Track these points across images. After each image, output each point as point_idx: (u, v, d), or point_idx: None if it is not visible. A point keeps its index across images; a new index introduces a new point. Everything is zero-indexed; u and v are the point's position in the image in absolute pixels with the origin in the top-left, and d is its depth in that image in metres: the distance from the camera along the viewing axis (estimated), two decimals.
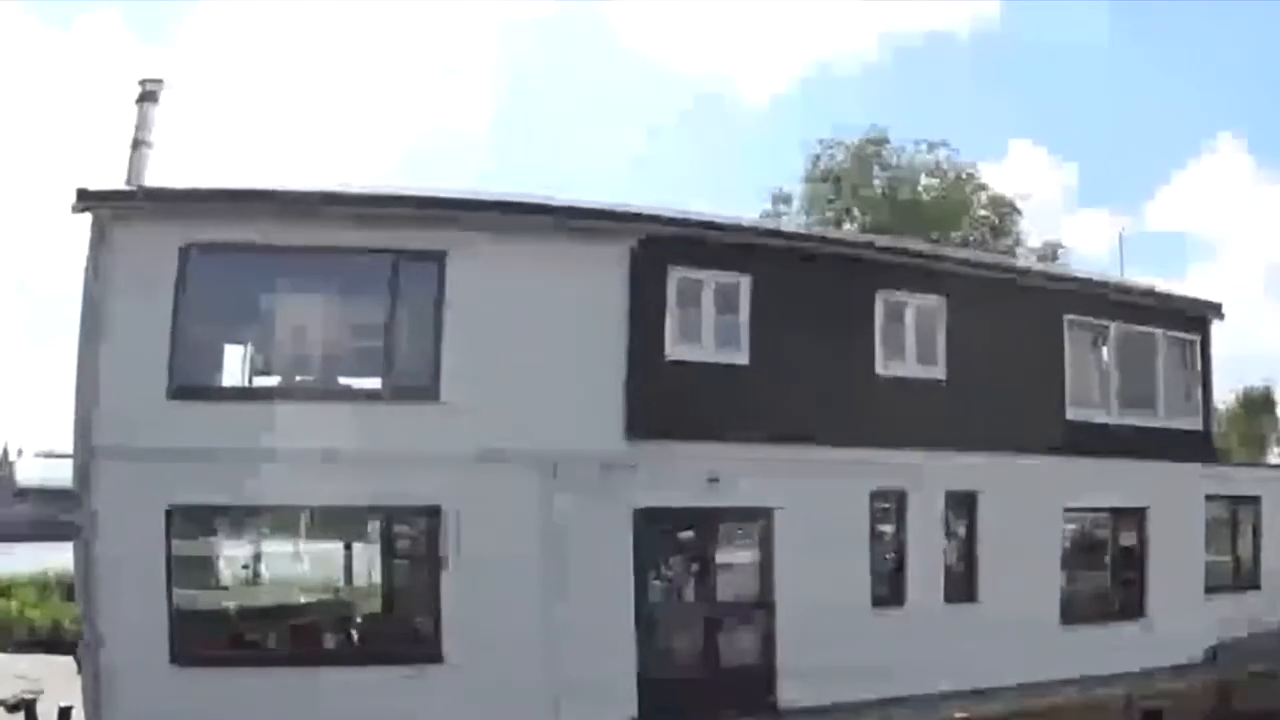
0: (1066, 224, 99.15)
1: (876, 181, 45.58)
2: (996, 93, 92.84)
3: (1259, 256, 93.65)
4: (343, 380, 17.40)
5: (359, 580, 17.27)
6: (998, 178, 49.01)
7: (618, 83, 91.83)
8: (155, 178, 16.75)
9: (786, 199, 45.39)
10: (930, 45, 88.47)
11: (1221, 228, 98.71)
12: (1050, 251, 44.88)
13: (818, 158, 45.71)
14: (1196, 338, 23.87)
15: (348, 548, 17.43)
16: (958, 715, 18.14)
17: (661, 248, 17.53)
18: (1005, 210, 45.89)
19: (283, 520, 17.20)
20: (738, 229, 18.51)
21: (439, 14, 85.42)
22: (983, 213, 45.51)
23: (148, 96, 17.37)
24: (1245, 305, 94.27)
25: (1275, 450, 60.79)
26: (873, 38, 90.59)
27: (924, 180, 45.80)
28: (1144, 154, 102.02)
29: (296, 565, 17.68)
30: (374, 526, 16.70)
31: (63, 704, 15.91)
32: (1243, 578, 25.59)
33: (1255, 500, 26.05)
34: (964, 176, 45.85)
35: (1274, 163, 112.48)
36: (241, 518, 16.69)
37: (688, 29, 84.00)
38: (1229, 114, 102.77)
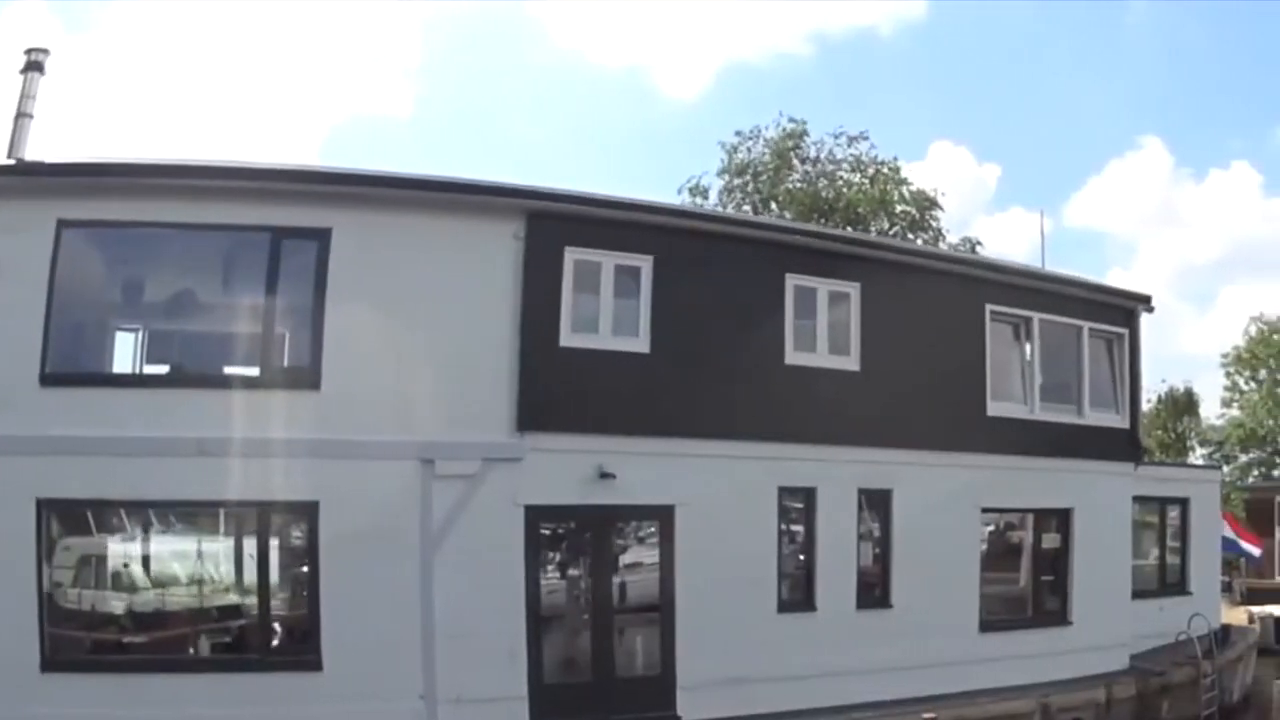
0: (986, 224, 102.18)
1: (795, 175, 46.77)
2: (920, 91, 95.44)
3: (1177, 258, 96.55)
4: (220, 366, 17.20)
5: (236, 580, 17.02)
6: (919, 176, 50.45)
7: (539, 75, 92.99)
8: (40, 154, 16.53)
9: (703, 192, 46.25)
10: (855, 42, 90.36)
11: (1141, 229, 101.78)
12: (969, 248, 45.86)
13: (735, 150, 46.95)
14: (1124, 331, 24.24)
15: (238, 546, 17.14)
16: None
17: (557, 227, 17.57)
18: (925, 205, 47.05)
19: (160, 516, 16.95)
20: (638, 207, 18.42)
21: (363, 4, 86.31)
22: (903, 207, 46.53)
23: (33, 66, 17.20)
24: (1163, 307, 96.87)
25: (1196, 452, 62.59)
26: (798, 34, 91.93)
27: (844, 174, 47.01)
28: (1066, 155, 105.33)
29: (175, 564, 17.38)
30: (250, 523, 16.51)
31: None
32: (1171, 582, 26.18)
33: (1184, 502, 26.71)
34: (884, 171, 46.99)
35: (1194, 164, 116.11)
36: (115, 512, 16.45)
37: (610, 22, 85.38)
38: (1152, 116, 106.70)
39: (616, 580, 18.29)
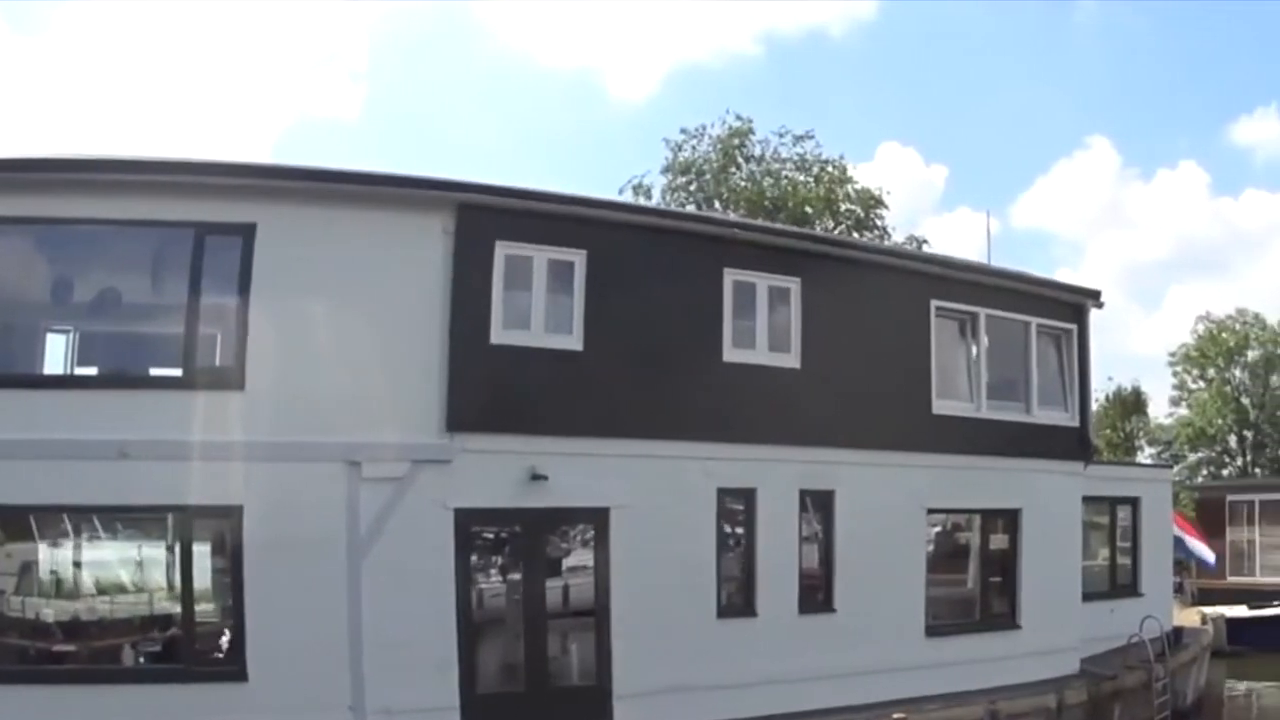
0: (934, 224, 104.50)
1: (740, 174, 47.90)
2: (869, 92, 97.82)
3: (1125, 258, 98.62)
4: (144, 367, 17.24)
5: (160, 588, 16.91)
6: (867, 176, 51.86)
7: (487, 77, 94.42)
8: None
9: (646, 191, 47.03)
10: (806, 42, 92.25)
11: (1088, 229, 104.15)
12: (915, 247, 46.80)
13: (679, 148, 48.07)
14: (1073, 327, 24.57)
15: (161, 552, 17.05)
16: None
17: (488, 220, 17.63)
18: (871, 204, 48.34)
19: (82, 522, 16.69)
20: (571, 200, 18.46)
21: (311, 6, 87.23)
22: (848, 206, 47.86)
23: None
24: (1110, 307, 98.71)
25: (1144, 452, 63.75)
26: (749, 34, 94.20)
27: (789, 173, 48.15)
28: (1014, 156, 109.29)
29: (97, 572, 17.26)
30: (172, 528, 16.46)
31: None
32: (1122, 584, 26.56)
33: (1135, 501, 27.11)
34: (830, 170, 48.24)
35: (1142, 164, 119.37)
36: (37, 518, 16.27)
37: (559, 24, 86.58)
38: (1100, 116, 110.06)
39: (551, 586, 18.28)
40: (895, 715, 18.71)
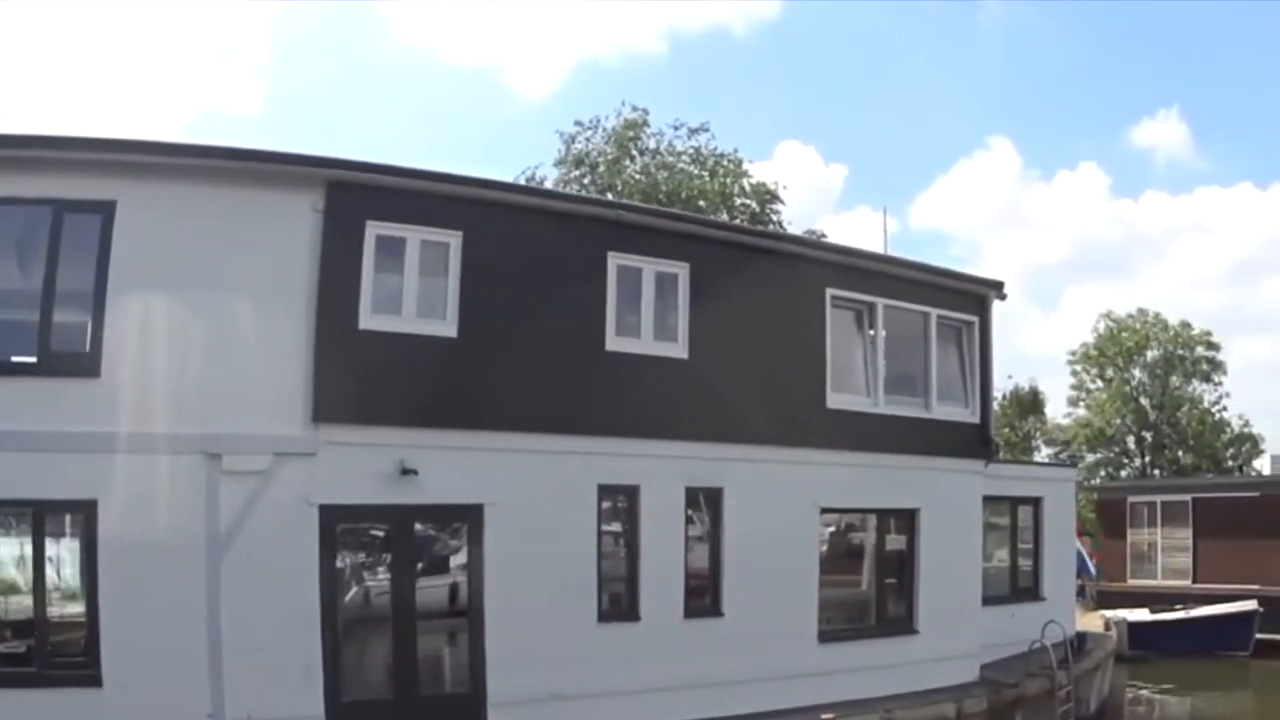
0: (832, 222, 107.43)
1: (635, 167, 49.41)
2: (771, 91, 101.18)
3: (1023, 259, 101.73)
4: None
5: (11, 587, 16.73)
6: (766, 174, 53.28)
7: (389, 73, 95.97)
8: None
9: (539, 184, 47.25)
10: (709, 41, 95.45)
11: (987, 230, 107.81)
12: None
13: (573, 140, 49.54)
14: (975, 319, 25.19)
15: (12, 550, 16.81)
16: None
17: (359, 199, 17.73)
18: (766, 199, 50.07)
19: None
20: (447, 178, 18.49)
21: (211, 1, 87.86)
22: (743, 201, 49.43)
23: None
24: (1008, 307, 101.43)
25: (1042, 452, 65.35)
26: (652, 32, 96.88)
27: (684, 166, 49.76)
28: (914, 156, 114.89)
29: None
30: (23, 524, 16.34)
31: None
32: (1023, 587, 27.23)
33: (1037, 502, 27.80)
34: (725, 163, 49.86)
35: (1042, 165, 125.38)
36: None
37: (462, 21, 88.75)
38: (1001, 117, 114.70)
39: (421, 588, 18.27)
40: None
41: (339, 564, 17.74)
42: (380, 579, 18.40)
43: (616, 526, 20.03)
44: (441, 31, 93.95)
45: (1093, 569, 44.08)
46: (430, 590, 18.62)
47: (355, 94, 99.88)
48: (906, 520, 23.69)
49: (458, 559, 18.75)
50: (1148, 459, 66.76)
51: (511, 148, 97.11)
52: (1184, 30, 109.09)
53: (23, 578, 16.47)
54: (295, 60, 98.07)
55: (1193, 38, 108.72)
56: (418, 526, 18.66)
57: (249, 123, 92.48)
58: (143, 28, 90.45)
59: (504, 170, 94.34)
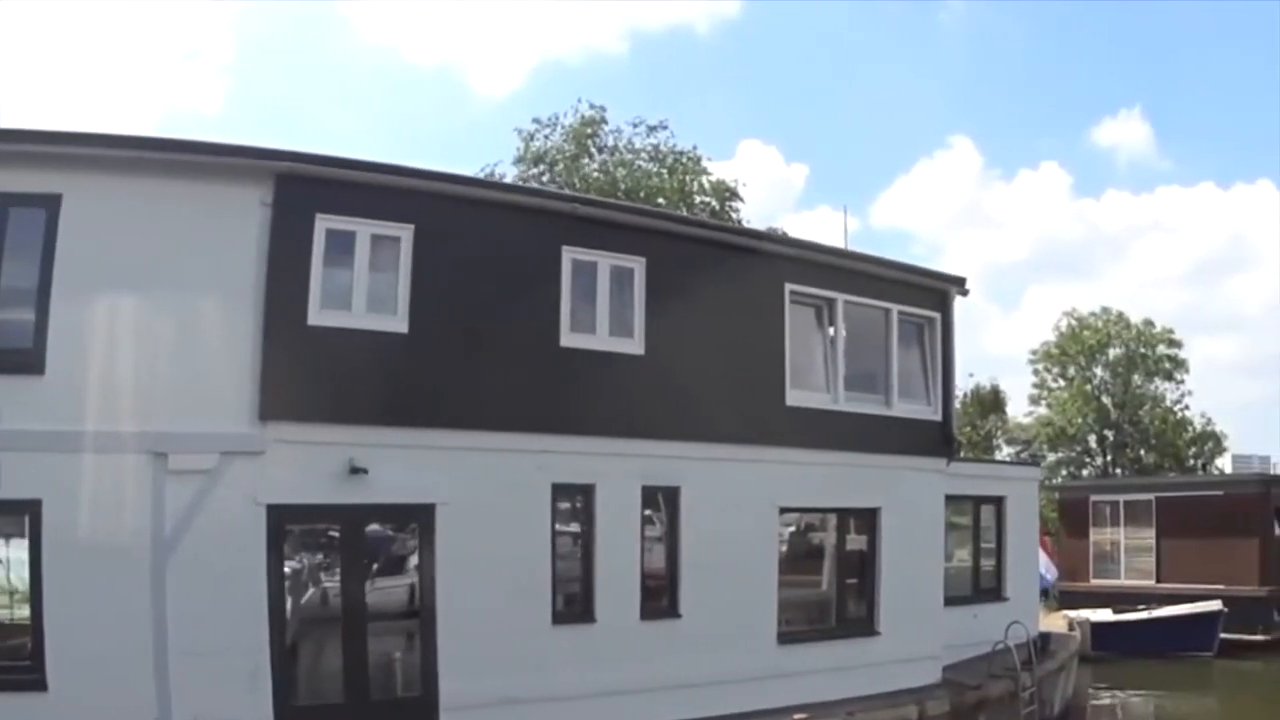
0: (793, 221, 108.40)
1: (593, 164, 50.08)
2: (732, 90, 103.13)
3: (984, 258, 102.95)
4: None
5: None
6: (727, 173, 53.68)
7: (351, 73, 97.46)
8: None
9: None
10: (671, 40, 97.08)
11: (948, 229, 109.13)
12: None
13: (531, 138, 50.13)
14: (936, 315, 25.40)
15: None
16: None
17: (308, 191, 17.75)
18: (726, 196, 50.95)
19: None
20: (398, 171, 18.56)
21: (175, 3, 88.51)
22: (702, 198, 50.16)
23: None
24: (969, 307, 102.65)
25: (1003, 451, 65.90)
26: (614, 31, 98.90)
27: (642, 163, 50.50)
28: (876, 155, 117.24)
29: None
30: None
31: None
32: (986, 588, 27.44)
33: (999, 501, 28.02)
34: (684, 161, 50.62)
35: (1004, 165, 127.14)
36: None
37: (423, 20, 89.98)
38: (963, 116, 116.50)
39: (371, 589, 18.34)
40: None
41: (288, 565, 17.73)
42: (329, 580, 18.37)
43: (571, 526, 20.07)
44: (404, 31, 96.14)
45: (1051, 580, 44.32)
46: (382, 592, 18.66)
47: (317, 93, 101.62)
48: (867, 520, 23.83)
49: (409, 560, 18.75)
50: (1109, 458, 67.19)
51: (472, 147, 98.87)
52: (1146, 30, 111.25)
53: None
54: (258, 60, 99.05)
55: (1155, 37, 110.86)
56: (372, 526, 18.70)
57: (210, 122, 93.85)
58: (109, 27, 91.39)
59: (464, 169, 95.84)
